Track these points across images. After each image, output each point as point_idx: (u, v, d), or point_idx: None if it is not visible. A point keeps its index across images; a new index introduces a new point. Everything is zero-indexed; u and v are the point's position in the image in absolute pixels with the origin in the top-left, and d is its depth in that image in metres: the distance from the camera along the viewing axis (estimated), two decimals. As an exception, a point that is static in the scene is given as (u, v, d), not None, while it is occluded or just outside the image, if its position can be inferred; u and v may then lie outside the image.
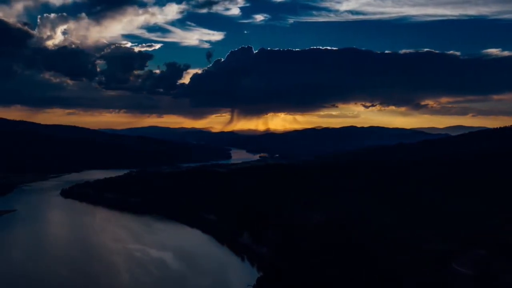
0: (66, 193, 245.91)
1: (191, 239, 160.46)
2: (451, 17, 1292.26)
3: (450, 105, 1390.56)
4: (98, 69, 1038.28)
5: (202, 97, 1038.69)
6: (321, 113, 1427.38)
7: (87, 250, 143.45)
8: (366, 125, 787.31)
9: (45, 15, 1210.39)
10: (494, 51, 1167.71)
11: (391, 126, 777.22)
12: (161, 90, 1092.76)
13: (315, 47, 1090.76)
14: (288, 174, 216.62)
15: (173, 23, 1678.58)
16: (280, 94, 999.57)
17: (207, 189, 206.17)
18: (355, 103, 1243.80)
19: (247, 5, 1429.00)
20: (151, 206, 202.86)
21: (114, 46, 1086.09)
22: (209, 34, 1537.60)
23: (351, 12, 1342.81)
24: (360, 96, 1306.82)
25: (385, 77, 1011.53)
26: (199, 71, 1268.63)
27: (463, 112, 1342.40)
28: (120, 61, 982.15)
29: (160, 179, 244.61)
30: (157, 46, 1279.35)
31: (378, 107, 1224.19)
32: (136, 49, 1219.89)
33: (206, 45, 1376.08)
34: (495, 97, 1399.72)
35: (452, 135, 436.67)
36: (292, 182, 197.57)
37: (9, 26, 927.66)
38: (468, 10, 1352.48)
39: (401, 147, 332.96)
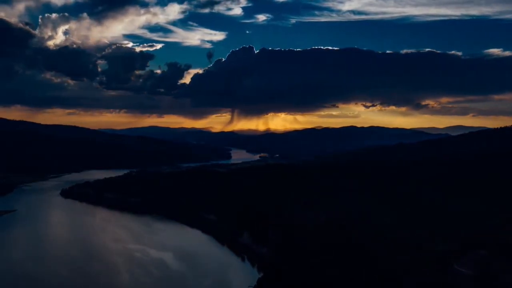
0: (66, 193, 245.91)
1: (191, 239, 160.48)
2: (453, 17, 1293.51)
3: (450, 105, 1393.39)
4: (99, 69, 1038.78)
5: (203, 97, 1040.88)
6: (322, 113, 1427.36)
7: (87, 250, 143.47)
8: (366, 125, 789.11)
9: (46, 15, 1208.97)
10: (495, 51, 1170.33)
11: (391, 126, 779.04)
12: (162, 90, 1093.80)
13: (316, 47, 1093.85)
14: (288, 174, 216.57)
15: (175, 23, 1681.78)
16: (280, 94, 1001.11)
17: (207, 189, 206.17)
18: (356, 103, 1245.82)
19: (250, 5, 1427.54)
20: (151, 206, 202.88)
21: (115, 46, 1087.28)
22: (210, 34, 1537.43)
23: (353, 12, 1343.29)
24: (361, 96, 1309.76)
25: (386, 77, 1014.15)
26: (200, 71, 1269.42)
27: (463, 112, 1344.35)
28: (121, 61, 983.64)
29: (160, 179, 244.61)
30: (159, 46, 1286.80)
31: (378, 107, 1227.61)
32: (138, 49, 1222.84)
33: (208, 45, 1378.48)
34: (496, 97, 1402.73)
35: (452, 135, 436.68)
36: (292, 182, 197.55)
37: (11, 26, 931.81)
38: (470, 10, 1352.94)
39: (401, 147, 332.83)
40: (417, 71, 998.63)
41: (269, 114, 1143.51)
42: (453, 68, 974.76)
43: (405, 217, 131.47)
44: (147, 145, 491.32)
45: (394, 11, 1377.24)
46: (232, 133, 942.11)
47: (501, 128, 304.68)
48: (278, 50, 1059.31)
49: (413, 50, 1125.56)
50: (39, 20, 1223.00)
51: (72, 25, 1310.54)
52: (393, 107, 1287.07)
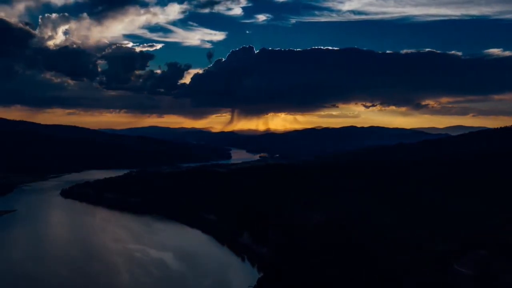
0: (66, 193, 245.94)
1: (191, 239, 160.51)
2: (453, 17, 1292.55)
3: (450, 105, 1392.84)
4: (99, 69, 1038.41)
5: (203, 97, 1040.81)
6: (322, 113, 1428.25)
7: (87, 250, 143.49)
8: (366, 125, 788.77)
9: (46, 15, 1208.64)
10: (495, 51, 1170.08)
11: (391, 126, 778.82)
12: (162, 90, 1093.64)
13: (316, 47, 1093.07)
14: (288, 174, 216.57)
15: (175, 23, 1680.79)
16: (281, 94, 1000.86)
17: (207, 189, 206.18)
18: (356, 103, 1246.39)
19: (250, 5, 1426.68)
20: (151, 206, 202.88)
21: (115, 46, 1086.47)
22: (211, 34, 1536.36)
23: (353, 12, 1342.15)
24: (361, 96, 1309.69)
25: (386, 77, 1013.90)
26: (200, 71, 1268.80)
27: (463, 112, 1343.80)
28: (121, 61, 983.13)
29: (160, 179, 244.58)
30: (159, 46, 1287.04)
31: (378, 107, 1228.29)
32: (138, 49, 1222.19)
33: (208, 45, 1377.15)
34: (496, 97, 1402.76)
35: (452, 135, 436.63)
36: (292, 182, 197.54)
37: (11, 26, 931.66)
38: (470, 10, 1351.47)
39: (401, 147, 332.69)
40: (417, 71, 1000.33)
41: (269, 114, 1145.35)
42: (453, 68, 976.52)
43: (405, 217, 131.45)
44: (147, 145, 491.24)
45: (394, 11, 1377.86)
46: (232, 133, 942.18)
47: (501, 128, 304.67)
48: (278, 50, 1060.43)
49: (413, 50, 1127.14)
50: (39, 20, 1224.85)
51: (72, 25, 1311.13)
52: (393, 107, 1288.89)
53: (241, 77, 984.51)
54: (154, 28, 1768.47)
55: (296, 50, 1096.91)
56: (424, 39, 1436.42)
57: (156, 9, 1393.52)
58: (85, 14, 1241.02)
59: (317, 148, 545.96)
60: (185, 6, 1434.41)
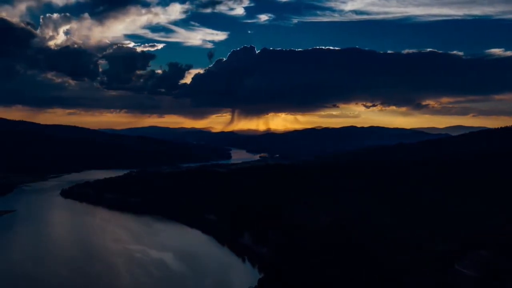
0: (66, 193, 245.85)
1: (191, 239, 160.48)
2: (455, 17, 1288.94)
3: (451, 105, 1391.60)
4: (100, 69, 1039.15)
5: (203, 97, 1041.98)
6: (322, 113, 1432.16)
7: (87, 250, 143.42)
8: (366, 125, 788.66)
9: (47, 15, 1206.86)
10: (497, 51, 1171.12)
11: (391, 126, 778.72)
12: (163, 90, 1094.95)
13: (317, 47, 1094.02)
14: (288, 174, 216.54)
15: (177, 23, 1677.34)
16: (281, 94, 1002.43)
17: (207, 189, 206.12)
18: (356, 103, 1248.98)
19: (252, 5, 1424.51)
20: (151, 206, 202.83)
21: (116, 46, 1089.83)
22: (212, 34, 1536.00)
23: (356, 12, 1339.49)
24: (361, 96, 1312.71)
25: (387, 77, 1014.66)
26: (201, 71, 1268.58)
27: (463, 112, 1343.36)
28: (122, 61, 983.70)
29: (160, 179, 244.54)
30: (160, 46, 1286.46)
31: (379, 107, 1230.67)
32: (139, 49, 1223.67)
33: (209, 45, 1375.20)
34: (496, 97, 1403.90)
35: (452, 135, 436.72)
36: (292, 182, 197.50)
37: (12, 25, 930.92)
38: (473, 10, 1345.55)
39: (401, 147, 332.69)
40: (418, 71, 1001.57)
41: (269, 114, 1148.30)
42: (454, 68, 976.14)
43: (405, 217, 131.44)
44: (147, 145, 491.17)
45: (396, 11, 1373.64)
46: (232, 133, 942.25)
47: (501, 128, 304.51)
48: (279, 50, 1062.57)
49: (414, 50, 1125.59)
50: (41, 20, 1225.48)
51: (73, 25, 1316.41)
52: (394, 107, 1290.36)
53: (242, 77, 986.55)
54: (156, 28, 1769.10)
55: (297, 50, 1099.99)
56: (425, 39, 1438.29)
57: (158, 9, 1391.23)
58: (86, 14, 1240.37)
59: (317, 148, 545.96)
60: (186, 6, 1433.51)
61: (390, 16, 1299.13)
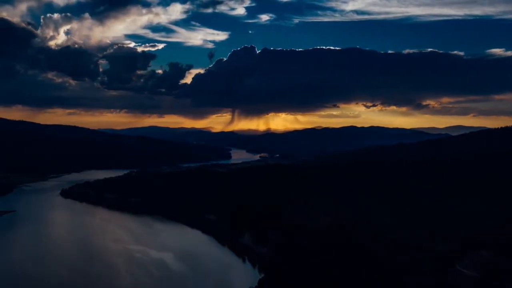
0: (66, 193, 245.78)
1: (191, 239, 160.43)
2: (456, 17, 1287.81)
3: (451, 105, 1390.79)
4: (100, 69, 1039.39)
5: (204, 97, 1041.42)
6: (322, 113, 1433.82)
7: (87, 250, 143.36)
8: (366, 125, 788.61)
9: (48, 15, 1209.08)
10: (497, 51, 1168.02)
11: (391, 126, 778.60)
12: (163, 90, 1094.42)
13: (318, 47, 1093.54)
14: (288, 174, 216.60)
15: (177, 23, 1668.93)
16: (282, 94, 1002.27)
17: (207, 189, 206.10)
18: (356, 103, 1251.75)
19: (253, 5, 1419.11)
20: (151, 206, 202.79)
21: (117, 46, 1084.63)
22: (213, 34, 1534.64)
23: (357, 12, 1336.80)
24: (362, 96, 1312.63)
25: (388, 77, 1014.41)
26: (202, 71, 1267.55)
27: (464, 112, 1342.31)
28: (123, 61, 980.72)
29: (160, 179, 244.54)
30: (161, 46, 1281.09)
31: (379, 107, 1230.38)
32: (139, 49, 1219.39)
33: (210, 45, 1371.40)
34: (497, 97, 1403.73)
35: (452, 135, 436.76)
36: (292, 182, 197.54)
37: (13, 25, 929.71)
38: (473, 10, 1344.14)
39: (401, 147, 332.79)
40: (418, 71, 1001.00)
41: (269, 114, 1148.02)
42: (455, 68, 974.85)
43: (405, 217, 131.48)
44: (147, 145, 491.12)
45: (397, 11, 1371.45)
46: (232, 133, 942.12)
47: (501, 128, 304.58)
48: (280, 50, 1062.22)
49: (415, 50, 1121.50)
50: (41, 20, 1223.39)
51: (74, 25, 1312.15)
52: (394, 107, 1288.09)
53: (242, 77, 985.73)
54: (157, 28, 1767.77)
55: (298, 50, 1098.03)
56: (426, 39, 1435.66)
57: (158, 9, 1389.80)
58: (87, 14, 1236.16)
59: (317, 148, 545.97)
60: (187, 6, 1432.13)
61: (391, 16, 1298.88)
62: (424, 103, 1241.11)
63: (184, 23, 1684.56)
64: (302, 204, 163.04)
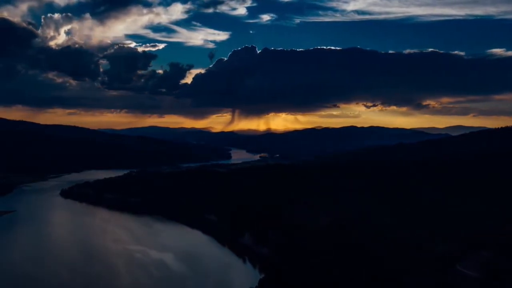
0: (66, 194, 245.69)
1: (191, 239, 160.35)
2: (457, 17, 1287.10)
3: (451, 105, 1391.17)
4: (101, 69, 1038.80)
5: (204, 97, 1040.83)
6: (323, 113, 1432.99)
7: (87, 251, 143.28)
8: (366, 125, 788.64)
9: (49, 15, 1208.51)
10: (498, 51, 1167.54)
11: (391, 126, 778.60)
12: (164, 90, 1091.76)
13: (319, 47, 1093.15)
14: (288, 174, 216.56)
15: (178, 23, 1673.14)
16: (282, 94, 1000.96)
17: (207, 189, 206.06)
18: (357, 103, 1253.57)
19: (254, 5, 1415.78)
20: (151, 206, 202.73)
21: (117, 46, 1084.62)
22: (214, 34, 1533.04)
23: (358, 12, 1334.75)
24: (362, 96, 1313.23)
25: (388, 77, 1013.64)
26: (203, 71, 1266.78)
27: (464, 112, 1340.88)
28: (123, 61, 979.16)
29: (160, 179, 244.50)
30: (162, 46, 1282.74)
31: (379, 107, 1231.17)
32: (140, 49, 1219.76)
33: (211, 45, 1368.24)
34: (497, 97, 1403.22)
35: (452, 135, 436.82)
36: (292, 182, 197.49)
37: (14, 25, 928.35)
38: (475, 10, 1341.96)
39: (401, 147, 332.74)
40: (419, 71, 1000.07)
41: (270, 114, 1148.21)
42: (456, 68, 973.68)
43: (405, 217, 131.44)
44: (147, 145, 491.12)
45: (398, 11, 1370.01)
46: (232, 133, 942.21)
47: (501, 128, 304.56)
48: (281, 50, 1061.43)
49: (416, 50, 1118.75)
50: (42, 20, 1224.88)
51: (74, 25, 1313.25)
52: (394, 107, 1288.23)
53: (243, 77, 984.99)
54: (157, 28, 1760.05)
55: (299, 50, 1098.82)
56: (427, 39, 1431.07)
57: (159, 9, 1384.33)
58: (87, 14, 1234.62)
59: (317, 148, 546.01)
60: (188, 6, 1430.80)
61: (392, 16, 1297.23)
62: (424, 103, 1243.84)
63: (185, 23, 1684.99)
64: (302, 204, 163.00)
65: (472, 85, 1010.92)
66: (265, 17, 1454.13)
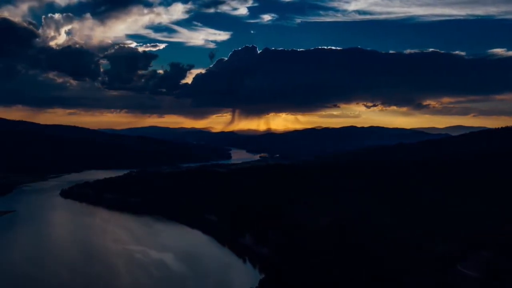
0: (66, 194, 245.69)
1: (191, 240, 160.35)
2: (458, 17, 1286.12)
3: (451, 105, 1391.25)
4: (101, 69, 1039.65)
5: (204, 97, 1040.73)
6: (323, 113, 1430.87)
7: (87, 251, 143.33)
8: (366, 125, 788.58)
9: (49, 15, 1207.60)
10: (499, 51, 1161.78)
11: (391, 126, 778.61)
12: (164, 90, 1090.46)
13: (319, 47, 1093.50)
14: (288, 174, 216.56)
15: (179, 23, 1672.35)
16: (282, 94, 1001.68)
17: (207, 189, 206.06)
18: (357, 103, 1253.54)
19: (255, 5, 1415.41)
20: (151, 206, 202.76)
21: (118, 46, 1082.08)
22: (215, 34, 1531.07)
23: (359, 12, 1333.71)
24: (362, 96, 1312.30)
25: (389, 77, 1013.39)
26: (203, 71, 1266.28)
27: (464, 112, 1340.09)
28: (124, 61, 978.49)
29: (160, 179, 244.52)
30: (162, 46, 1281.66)
31: (379, 107, 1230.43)
32: (141, 49, 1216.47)
33: (212, 45, 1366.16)
34: (497, 97, 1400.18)
35: (452, 135, 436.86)
36: (292, 182, 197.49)
37: (14, 25, 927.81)
38: (475, 10, 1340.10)
39: (401, 147, 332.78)
40: (420, 71, 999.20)
41: (270, 114, 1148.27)
42: (456, 68, 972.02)
43: (405, 217, 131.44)
44: (147, 145, 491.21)
45: (399, 11, 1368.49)
46: (232, 133, 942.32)
47: (501, 128, 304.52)
48: (281, 50, 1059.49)
49: (416, 50, 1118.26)
50: (42, 20, 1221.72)
51: (75, 25, 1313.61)
52: (394, 107, 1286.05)
53: (243, 77, 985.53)
54: (158, 28, 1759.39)
55: (299, 50, 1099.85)
56: (428, 39, 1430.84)
57: (160, 9, 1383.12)
58: (88, 14, 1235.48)
59: (317, 148, 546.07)
60: (189, 6, 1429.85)
61: (392, 16, 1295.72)
62: (424, 103, 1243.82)
63: (186, 23, 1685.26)
64: (302, 204, 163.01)
65: (473, 85, 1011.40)
66: (266, 17, 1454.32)
